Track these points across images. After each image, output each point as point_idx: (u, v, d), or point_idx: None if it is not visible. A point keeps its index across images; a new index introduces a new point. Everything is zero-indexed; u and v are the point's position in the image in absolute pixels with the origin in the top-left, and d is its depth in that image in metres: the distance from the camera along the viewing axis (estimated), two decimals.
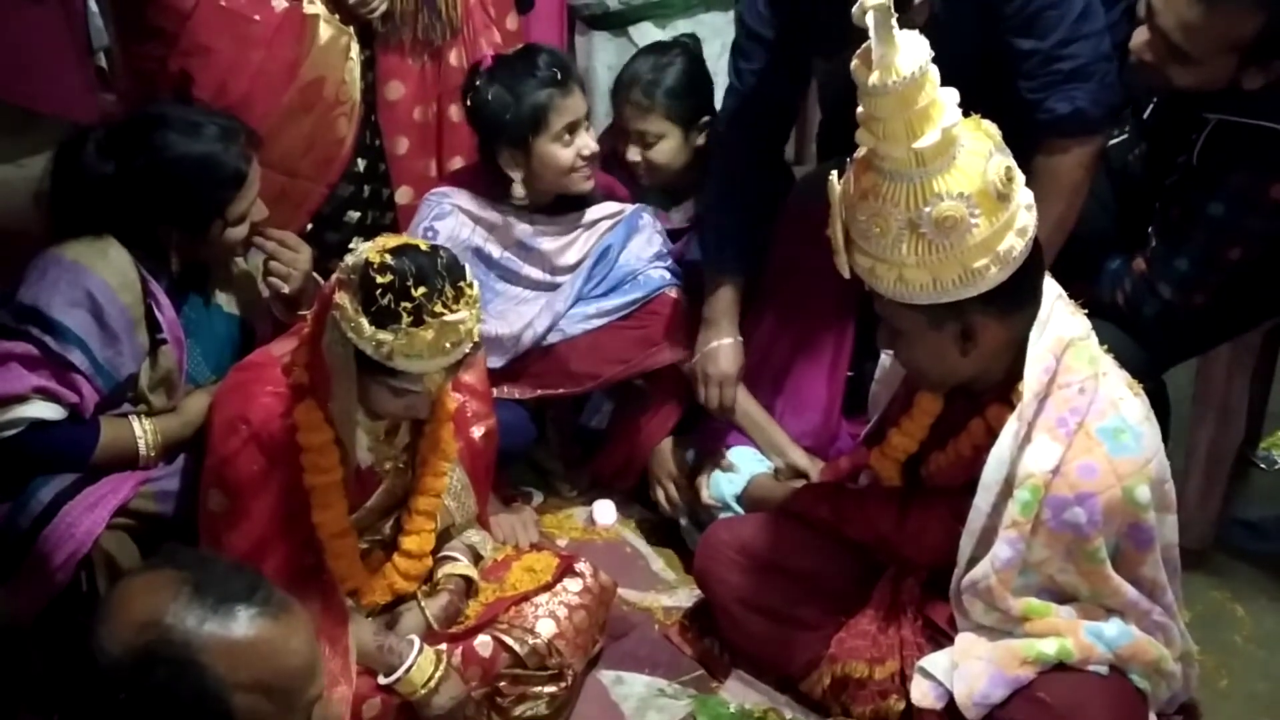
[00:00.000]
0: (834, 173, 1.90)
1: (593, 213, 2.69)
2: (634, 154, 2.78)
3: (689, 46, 2.87)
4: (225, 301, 2.33)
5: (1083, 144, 2.30)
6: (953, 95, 1.80)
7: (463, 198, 2.63)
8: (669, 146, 2.77)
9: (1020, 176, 1.85)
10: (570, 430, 2.91)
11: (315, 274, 2.34)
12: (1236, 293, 2.33)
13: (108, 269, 2.08)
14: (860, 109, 1.80)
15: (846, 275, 1.94)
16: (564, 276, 2.68)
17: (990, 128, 1.85)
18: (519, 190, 2.60)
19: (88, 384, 2.06)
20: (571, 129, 2.55)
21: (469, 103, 2.58)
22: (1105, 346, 2.00)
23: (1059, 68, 2.26)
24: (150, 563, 1.28)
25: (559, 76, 2.52)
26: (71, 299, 2.04)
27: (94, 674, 1.19)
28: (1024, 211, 1.85)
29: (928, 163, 1.78)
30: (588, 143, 2.58)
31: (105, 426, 2.11)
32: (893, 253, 1.84)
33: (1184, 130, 2.29)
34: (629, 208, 2.72)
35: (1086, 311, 2.02)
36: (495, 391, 2.52)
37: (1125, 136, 2.60)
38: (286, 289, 2.30)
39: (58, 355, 2.03)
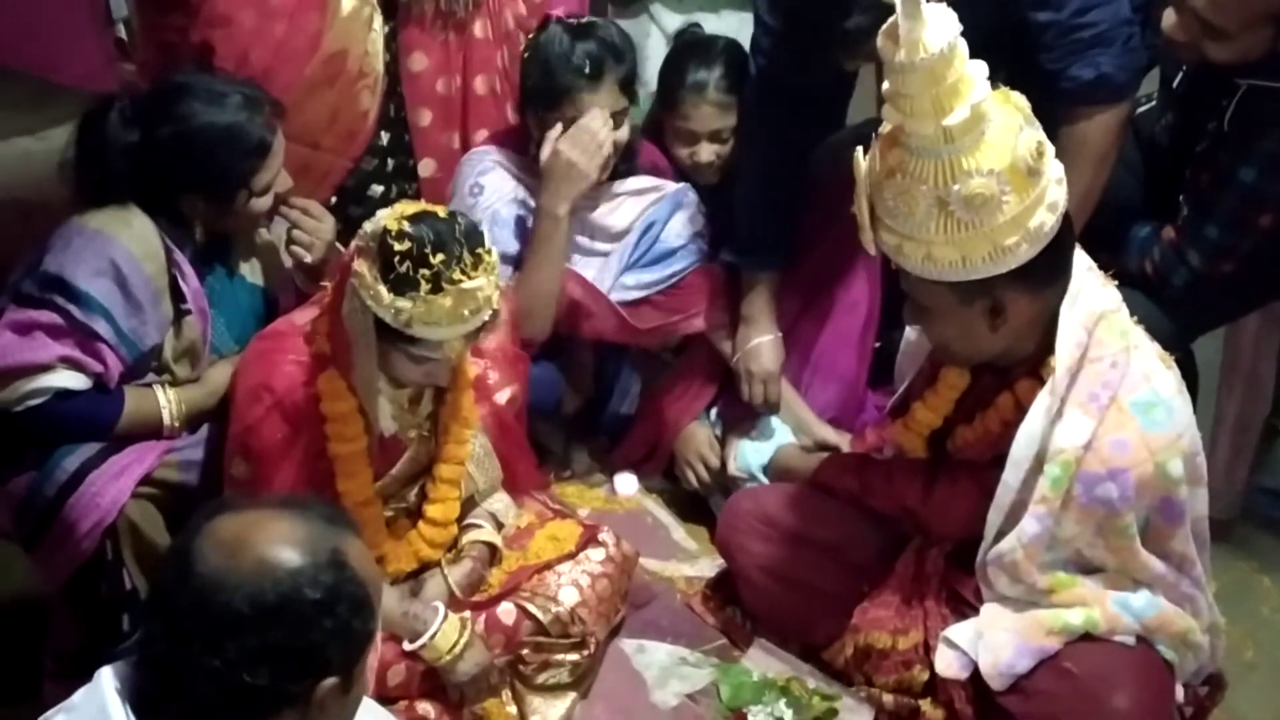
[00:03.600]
0: (859, 149, 1.87)
1: (634, 182, 2.64)
2: (708, 154, 2.68)
3: (719, 36, 2.80)
4: (249, 272, 2.33)
5: (1109, 110, 2.28)
6: (982, 69, 1.77)
7: (503, 156, 2.61)
8: None
9: (1051, 150, 1.82)
10: (585, 384, 2.83)
11: (338, 244, 2.34)
12: (1265, 261, 2.31)
13: (132, 238, 2.07)
14: (886, 85, 1.78)
15: (872, 252, 1.93)
16: (607, 244, 2.64)
17: (1020, 101, 1.82)
18: (534, 149, 2.56)
19: (112, 353, 2.06)
20: None
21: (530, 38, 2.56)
22: (1135, 318, 1.98)
23: (1079, 36, 2.23)
24: (226, 512, 1.33)
25: (588, 70, 2.45)
26: (96, 268, 2.04)
27: (278, 587, 1.26)
28: (1054, 186, 1.82)
29: (956, 139, 1.75)
30: (605, 137, 2.48)
31: (130, 396, 2.11)
32: (920, 231, 1.82)
33: (1215, 97, 2.26)
34: (672, 185, 2.67)
35: (1115, 281, 2.00)
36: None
37: (1153, 104, 2.57)
38: (309, 259, 2.30)
39: (82, 324, 2.02)
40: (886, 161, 1.84)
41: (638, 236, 2.63)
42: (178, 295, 2.13)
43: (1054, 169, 1.83)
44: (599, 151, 2.46)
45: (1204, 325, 2.52)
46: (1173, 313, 2.33)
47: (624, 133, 2.55)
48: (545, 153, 2.47)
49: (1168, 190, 2.39)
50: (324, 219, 2.33)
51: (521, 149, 2.61)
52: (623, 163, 2.59)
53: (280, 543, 1.29)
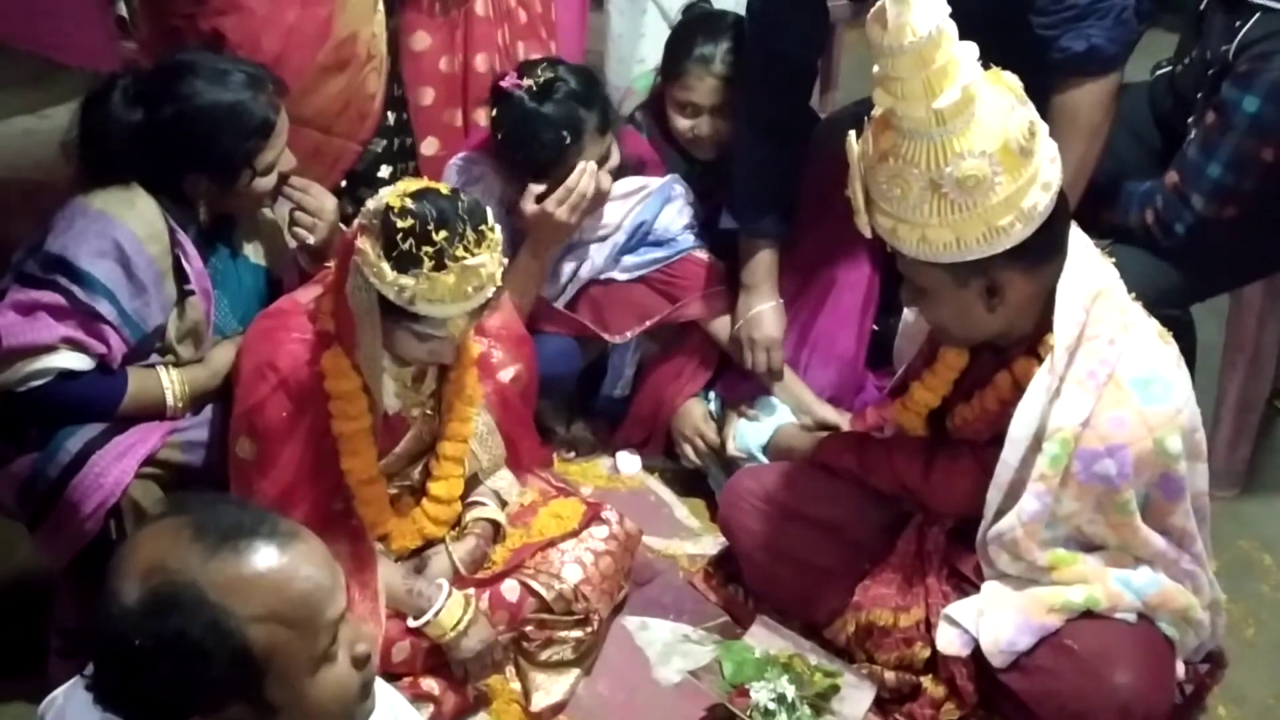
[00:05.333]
0: (851, 132, 1.87)
1: (620, 185, 2.62)
2: (708, 128, 2.68)
3: (727, 12, 2.79)
4: (252, 252, 2.32)
5: (1099, 82, 2.27)
6: (971, 51, 1.77)
7: (490, 165, 2.59)
8: None
9: (1043, 129, 1.82)
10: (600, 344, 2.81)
11: (341, 224, 2.34)
12: (1267, 214, 2.29)
13: (135, 219, 2.07)
14: (876, 68, 1.78)
15: (868, 235, 1.93)
16: (594, 238, 2.64)
17: (1012, 80, 1.82)
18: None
19: (115, 334, 2.06)
20: None
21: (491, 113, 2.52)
22: (1132, 281, 1.97)
23: (1073, 4, 2.22)
24: (155, 514, 1.30)
25: (567, 140, 2.41)
26: (99, 249, 2.03)
27: (109, 624, 1.18)
28: (1048, 165, 1.82)
29: (948, 121, 1.75)
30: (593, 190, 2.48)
31: (133, 377, 2.11)
32: (915, 213, 1.82)
33: (1230, 20, 2.24)
34: (658, 180, 2.66)
35: (1111, 241, 1.99)
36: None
37: (1165, 70, 2.57)
38: (312, 239, 2.29)
39: (85, 305, 2.02)
40: (879, 145, 1.84)
41: (627, 236, 2.63)
42: (181, 276, 2.13)
43: (1047, 148, 1.83)
44: (586, 203, 2.45)
45: (1205, 282, 2.49)
46: (1175, 265, 2.31)
47: (614, 159, 2.53)
48: (529, 209, 2.44)
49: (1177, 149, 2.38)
50: (325, 199, 2.32)
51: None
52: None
53: (126, 574, 1.19)
